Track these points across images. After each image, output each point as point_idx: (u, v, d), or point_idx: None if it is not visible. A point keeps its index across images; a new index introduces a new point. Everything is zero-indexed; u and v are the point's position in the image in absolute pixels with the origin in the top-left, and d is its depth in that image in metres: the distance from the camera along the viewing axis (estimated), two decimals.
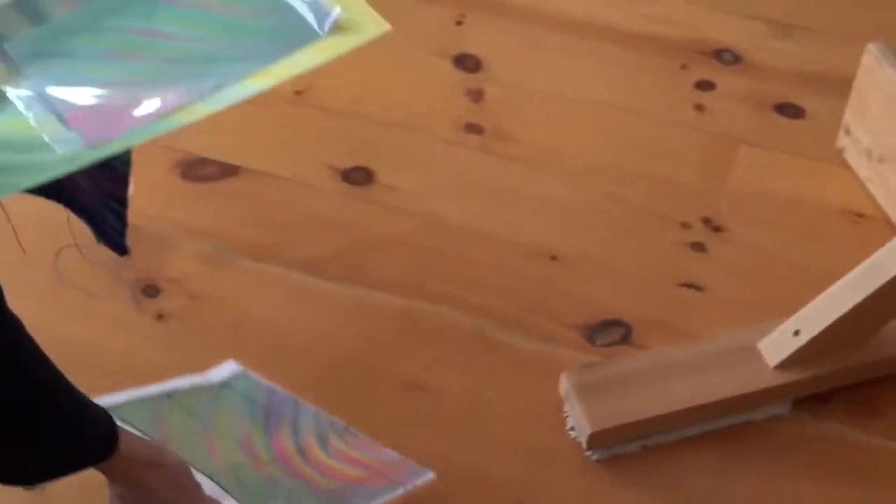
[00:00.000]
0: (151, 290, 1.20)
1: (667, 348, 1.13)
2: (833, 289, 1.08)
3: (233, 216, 1.27)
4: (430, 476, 1.00)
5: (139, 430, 0.96)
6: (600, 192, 1.31)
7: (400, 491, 1.00)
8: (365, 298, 1.20)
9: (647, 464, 1.08)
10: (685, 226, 1.27)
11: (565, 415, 1.10)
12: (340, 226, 1.27)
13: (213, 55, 0.68)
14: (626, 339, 1.17)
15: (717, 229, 1.27)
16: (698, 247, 1.26)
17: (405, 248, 1.25)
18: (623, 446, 1.07)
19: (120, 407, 1.01)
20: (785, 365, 1.09)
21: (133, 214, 1.24)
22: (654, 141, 1.37)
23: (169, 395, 1.05)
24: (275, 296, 1.21)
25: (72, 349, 1.14)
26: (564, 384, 1.09)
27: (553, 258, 1.24)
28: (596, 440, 1.06)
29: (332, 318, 1.19)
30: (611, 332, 1.18)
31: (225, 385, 1.08)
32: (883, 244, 1.10)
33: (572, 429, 1.09)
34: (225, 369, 1.09)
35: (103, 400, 1.00)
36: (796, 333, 1.08)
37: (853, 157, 1.33)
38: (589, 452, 1.07)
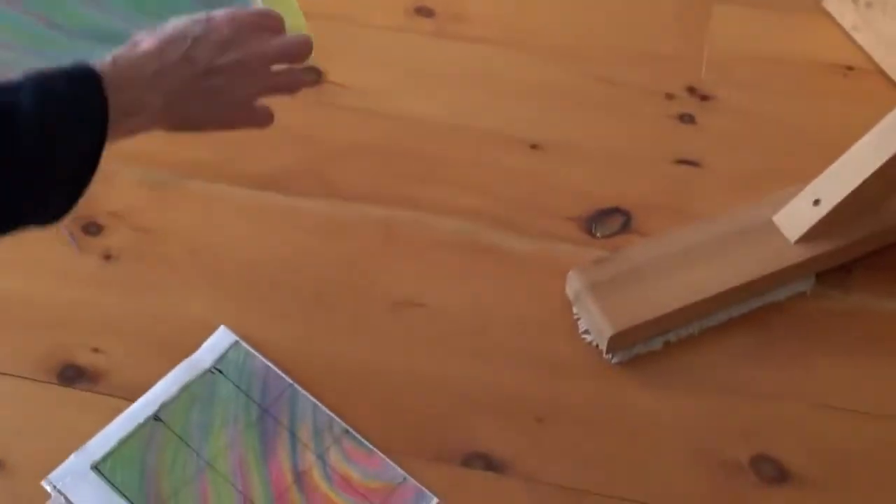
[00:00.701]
0: (92, 228, 1.06)
1: (676, 232, 1.03)
2: (851, 152, 1.00)
3: (169, 135, 1.13)
4: (434, 502, 0.90)
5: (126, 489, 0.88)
6: (575, 70, 1.20)
7: None
8: (338, 212, 1.08)
9: (672, 360, 0.99)
10: (670, 97, 1.17)
11: (576, 317, 1.01)
12: (296, 135, 1.13)
13: None
14: (626, 226, 1.07)
15: (704, 98, 1.17)
16: (687, 118, 1.16)
17: (372, 153, 1.13)
18: (645, 345, 0.99)
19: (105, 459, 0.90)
20: (807, 238, 1.00)
21: None
22: (624, 12, 1.26)
23: (157, 417, 0.93)
24: (235, 219, 1.07)
25: (5, 306, 1.01)
26: (574, 284, 1.00)
27: (534, 147, 1.13)
28: (616, 342, 0.96)
29: (304, 237, 1.06)
30: (609, 221, 1.08)
31: (217, 373, 0.96)
32: (878, 95, 1.02)
33: (586, 332, 0.99)
34: (217, 341, 0.97)
35: (82, 456, 0.90)
36: (816, 203, 1.00)
37: (835, 6, 1.24)
38: (608, 356, 0.98)
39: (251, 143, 1.12)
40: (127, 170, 1.10)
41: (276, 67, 0.86)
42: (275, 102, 1.18)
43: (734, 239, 1.01)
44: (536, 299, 1.03)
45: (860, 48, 1.21)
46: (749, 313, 1.01)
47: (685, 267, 0.99)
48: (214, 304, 1.01)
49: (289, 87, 0.89)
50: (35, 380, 0.96)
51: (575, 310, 1.00)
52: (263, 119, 0.89)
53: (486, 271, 1.05)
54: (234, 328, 0.99)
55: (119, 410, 0.94)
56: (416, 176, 1.11)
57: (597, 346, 0.99)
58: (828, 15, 1.24)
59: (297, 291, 1.03)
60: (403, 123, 1.14)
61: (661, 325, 0.97)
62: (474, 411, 0.96)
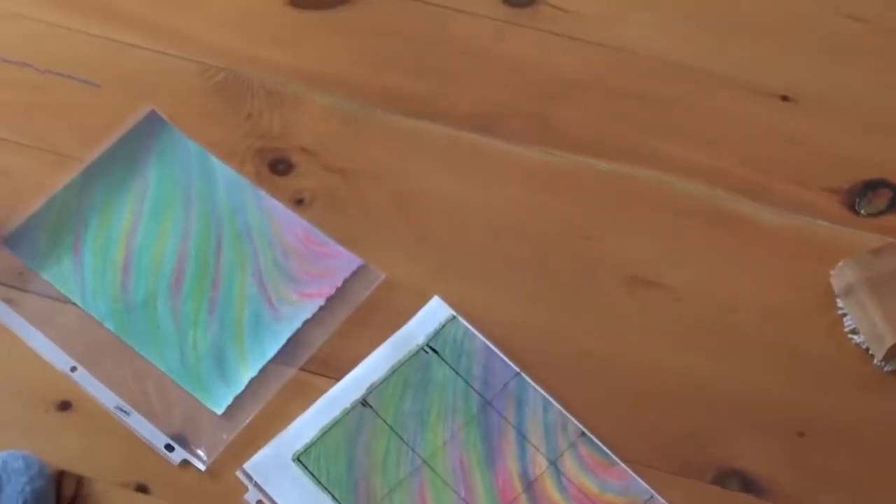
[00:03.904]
0: (281, 166, 0.92)
1: None
2: None
3: (364, 57, 0.98)
4: None
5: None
6: (834, 8, 1.03)
7: None
8: (558, 163, 0.93)
9: None
10: None
11: (841, 313, 0.87)
12: (507, 65, 0.98)
13: None
14: (895, 205, 0.93)
15: None
16: None
17: (594, 93, 0.97)
18: None
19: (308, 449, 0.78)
20: None
21: (232, 58, 0.97)
22: None
23: (364, 402, 0.80)
24: (441, 164, 0.93)
25: None
26: (846, 276, 0.85)
27: (785, 99, 0.97)
28: None
29: (521, 191, 0.92)
30: (876, 196, 0.93)
31: (431, 352, 0.83)
32: None
33: (854, 332, 0.86)
34: (430, 314, 0.84)
35: (282, 445, 0.78)
36: None
37: None
38: (881, 363, 0.85)
39: (457, 75, 0.97)
40: (316, 95, 0.95)
41: None
42: (483, 26, 1.03)
43: None
44: (789, 285, 0.89)
45: None
46: None
47: None
48: (423, 266, 0.88)
49: None
50: None
51: (840, 304, 0.87)
52: None
53: (730, 247, 0.90)
54: (446, 297, 0.86)
55: (319, 389, 0.82)
56: (646, 124, 0.96)
57: (866, 349, 0.85)
58: None
59: (517, 256, 0.89)
60: (629, 59, 0.98)
61: None
62: (724, 418, 0.83)
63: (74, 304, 0.85)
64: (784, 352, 0.86)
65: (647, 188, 0.93)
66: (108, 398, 0.81)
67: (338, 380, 0.83)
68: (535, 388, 0.82)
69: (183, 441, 0.80)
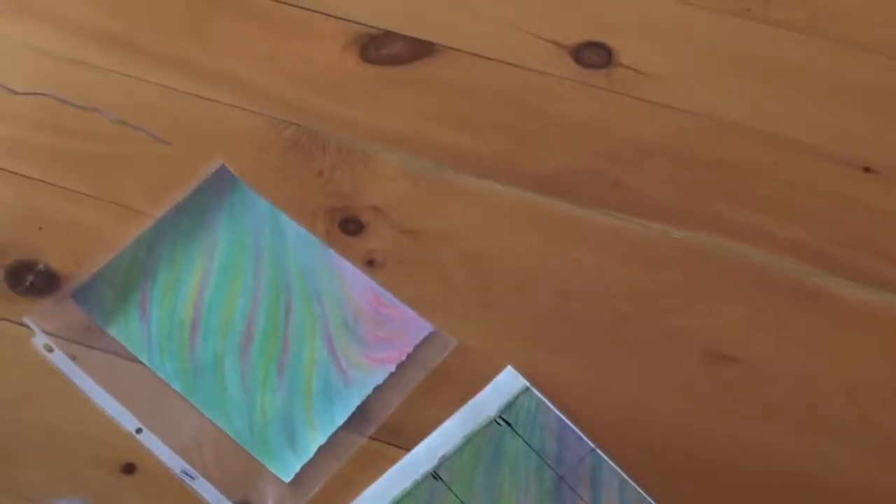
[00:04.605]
0: (352, 226, 0.91)
1: None
2: None
3: (437, 115, 0.96)
4: None
5: None
6: None
7: None
8: (632, 228, 0.91)
9: None
10: None
11: None
12: (580, 126, 0.96)
13: None
14: None
15: None
16: None
17: (670, 157, 0.95)
18: None
19: None
20: None
21: (303, 113, 0.96)
22: None
23: (436, 475, 0.78)
24: (512, 226, 0.91)
25: None
26: None
27: (868, 170, 0.95)
28: None
29: (593, 256, 0.90)
30: None
31: (504, 424, 0.81)
32: None
33: None
34: (503, 384, 0.82)
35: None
36: None
37: None
38: None
39: (530, 136, 0.95)
40: (388, 153, 0.94)
41: None
42: (556, 86, 1.02)
43: None
44: (873, 361, 0.86)
45: None
46: None
47: None
48: (495, 333, 0.86)
49: None
50: None
51: None
52: None
53: (811, 321, 0.88)
54: (519, 366, 0.84)
55: (389, 459, 0.80)
56: (723, 191, 0.94)
57: None
58: None
59: (590, 324, 0.87)
60: (707, 124, 0.97)
61: None
62: (805, 497, 0.80)
63: (141, 362, 0.83)
64: (868, 430, 0.83)
65: (724, 258, 0.90)
66: (173, 462, 0.80)
67: (408, 450, 0.81)
68: (610, 466, 0.80)
69: None
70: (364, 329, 0.85)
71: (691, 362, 0.86)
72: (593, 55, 1.00)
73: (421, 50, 0.99)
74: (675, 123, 0.97)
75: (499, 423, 0.81)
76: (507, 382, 0.83)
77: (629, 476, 0.80)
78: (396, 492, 0.78)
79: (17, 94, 0.95)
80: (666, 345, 0.87)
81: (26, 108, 0.94)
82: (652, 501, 0.79)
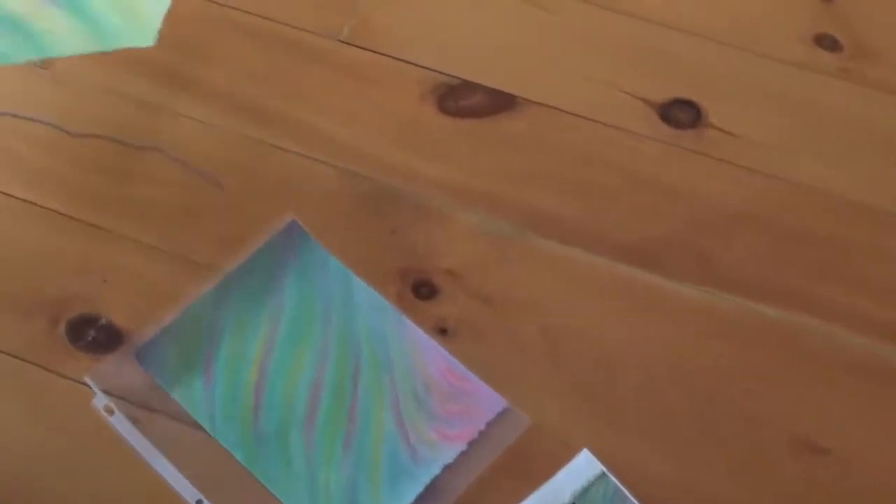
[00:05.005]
0: (425, 290, 0.87)
1: None
2: None
3: (517, 172, 0.92)
4: None
5: None
6: None
7: None
8: (719, 304, 0.87)
9: None
10: None
11: None
12: (667, 190, 0.92)
13: None
14: None
15: None
16: None
17: (760, 228, 0.90)
18: None
19: None
20: None
21: (377, 166, 0.92)
22: None
23: None
24: (594, 297, 0.87)
25: None
26: None
27: None
28: None
29: (677, 333, 0.85)
30: None
31: None
32: None
33: None
34: (579, 468, 0.78)
35: None
36: None
37: None
38: None
39: (615, 199, 0.91)
40: (464, 211, 0.90)
41: None
42: (643, 145, 0.98)
43: None
44: None
45: None
46: None
47: None
48: (572, 412, 0.82)
49: None
50: None
51: None
52: None
53: None
54: (596, 449, 0.80)
55: None
56: (818, 267, 0.89)
57: None
58: None
59: (672, 406, 0.83)
60: (803, 194, 0.92)
61: None
62: None
63: (203, 429, 0.80)
64: None
65: (817, 340, 0.85)
66: None
67: None
68: None
69: None
70: (435, 402, 0.82)
71: (777, 451, 0.81)
72: (681, 114, 0.95)
73: (501, 102, 0.96)
74: (767, 191, 0.92)
75: None
76: (583, 466, 0.79)
77: None
78: None
79: (75, 135, 0.92)
80: (751, 431, 0.82)
81: (87, 150, 0.91)
82: None
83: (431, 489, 0.79)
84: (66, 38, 0.93)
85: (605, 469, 0.79)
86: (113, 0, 0.92)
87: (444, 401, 0.82)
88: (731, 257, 0.89)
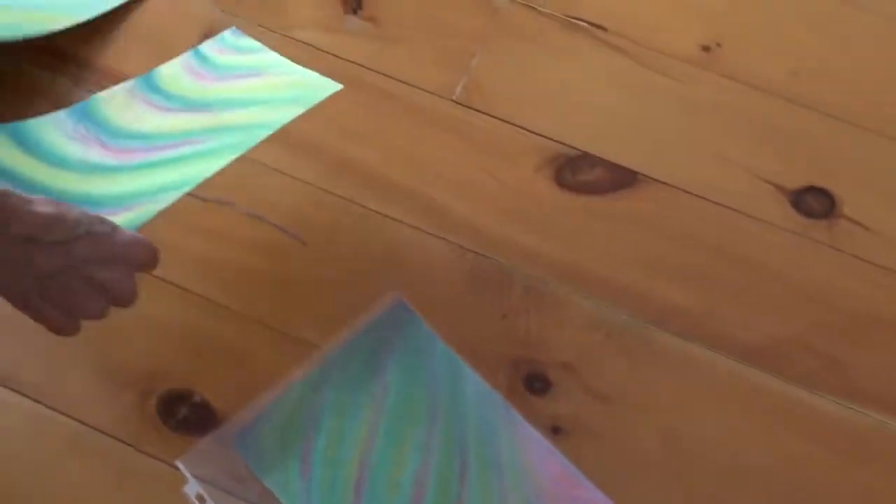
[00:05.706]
0: (538, 384, 0.81)
1: None
2: None
3: (638, 256, 0.86)
4: None
5: None
6: None
7: None
8: (855, 420, 0.81)
9: None
10: None
11: None
12: (797, 288, 0.86)
13: None
14: None
15: None
16: None
17: None
18: None
19: None
20: None
21: (489, 241, 0.87)
22: None
23: None
24: (716, 400, 0.81)
25: None
26: None
27: None
28: None
29: (808, 448, 0.79)
30: None
31: None
32: None
33: None
34: None
35: None
36: None
37: None
38: None
39: (741, 293, 0.85)
40: (581, 298, 0.84)
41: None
42: (773, 236, 0.91)
43: None
44: None
45: None
46: None
47: None
48: None
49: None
50: None
51: None
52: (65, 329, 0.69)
53: None
54: None
55: None
56: None
57: None
58: None
59: None
60: None
61: None
62: None
63: None
64: None
65: None
66: None
67: None
68: None
69: None
70: None
71: None
72: (814, 202, 0.89)
73: (621, 178, 0.90)
74: None
75: None
76: None
77: None
78: None
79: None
80: None
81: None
82: None
83: None
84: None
85: None
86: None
87: None
88: (868, 366, 0.83)
